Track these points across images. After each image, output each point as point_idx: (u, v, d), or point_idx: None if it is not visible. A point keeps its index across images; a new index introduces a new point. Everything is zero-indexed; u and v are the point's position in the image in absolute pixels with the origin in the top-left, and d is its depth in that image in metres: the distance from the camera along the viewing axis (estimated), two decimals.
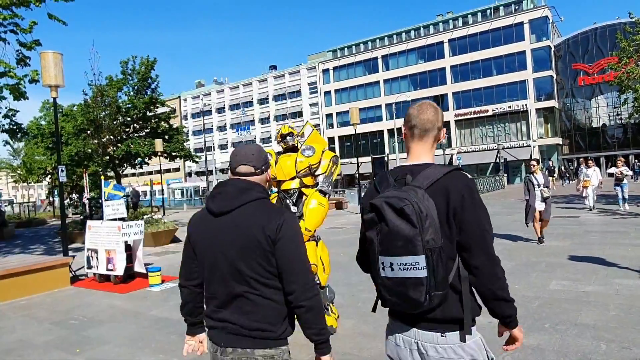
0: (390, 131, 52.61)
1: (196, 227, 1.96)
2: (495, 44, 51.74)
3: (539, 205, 8.94)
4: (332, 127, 63.63)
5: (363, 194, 2.39)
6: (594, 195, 14.87)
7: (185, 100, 78.62)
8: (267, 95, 69.96)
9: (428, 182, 1.67)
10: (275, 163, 4.90)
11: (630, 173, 14.35)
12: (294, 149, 4.97)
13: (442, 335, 1.66)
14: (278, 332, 1.83)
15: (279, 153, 5.11)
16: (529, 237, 9.86)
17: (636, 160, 43.34)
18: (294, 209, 4.81)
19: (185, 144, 30.98)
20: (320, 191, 4.79)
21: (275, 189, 4.97)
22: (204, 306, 1.97)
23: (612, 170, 14.15)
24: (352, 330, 4.72)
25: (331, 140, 63.61)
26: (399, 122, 52.71)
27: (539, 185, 8.98)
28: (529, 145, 48.75)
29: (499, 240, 9.81)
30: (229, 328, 1.82)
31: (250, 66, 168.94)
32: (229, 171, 2.00)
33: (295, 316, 1.89)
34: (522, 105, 49.85)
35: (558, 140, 50.29)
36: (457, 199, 1.65)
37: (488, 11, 55.13)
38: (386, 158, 28.54)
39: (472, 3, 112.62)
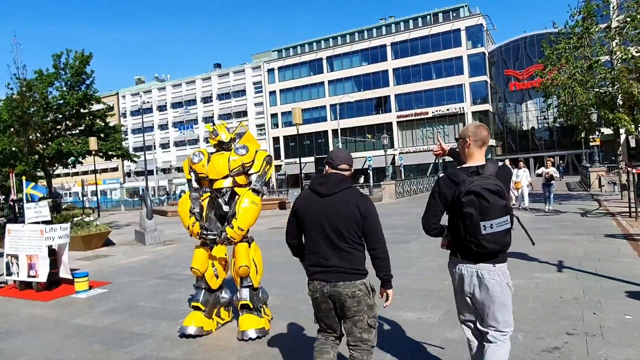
0: (335, 131, 53.13)
1: (304, 205, 2.93)
2: (435, 48, 53.77)
3: None
4: (277, 127, 63.37)
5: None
6: (528, 195, 15.09)
7: (124, 97, 75.36)
8: (211, 94, 68.50)
9: (492, 173, 2.68)
10: (208, 162, 4.78)
11: (558, 175, 14.94)
12: (226, 148, 4.88)
13: (493, 266, 2.73)
14: (365, 270, 2.82)
15: (212, 152, 5.00)
16: None
17: (561, 162, 46.61)
18: (226, 208, 4.72)
19: (123, 142, 29.70)
20: (254, 190, 4.73)
21: (207, 188, 4.86)
22: (306, 258, 2.94)
23: (541, 170, 14.50)
24: (285, 330, 4.70)
25: (276, 140, 63.34)
26: (343, 123, 53.55)
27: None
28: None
29: (428, 238, 10.16)
30: (337, 269, 2.77)
31: (193, 64, 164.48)
32: (328, 165, 2.95)
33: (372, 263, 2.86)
34: (460, 108, 52.16)
35: (492, 142, 52.98)
36: (507, 182, 2.78)
37: (428, 17, 57.14)
38: None
39: (413, 9, 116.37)
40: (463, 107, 52.12)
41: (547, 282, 5.99)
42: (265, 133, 64.62)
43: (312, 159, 31.17)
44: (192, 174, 4.84)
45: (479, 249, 2.65)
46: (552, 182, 14.17)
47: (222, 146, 4.84)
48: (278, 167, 62.10)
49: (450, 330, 4.39)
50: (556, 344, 3.92)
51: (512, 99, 54.63)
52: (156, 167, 54.14)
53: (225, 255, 4.94)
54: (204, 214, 4.77)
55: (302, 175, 34.35)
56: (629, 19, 14.59)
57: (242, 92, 66.32)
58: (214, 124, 5.03)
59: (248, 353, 4.13)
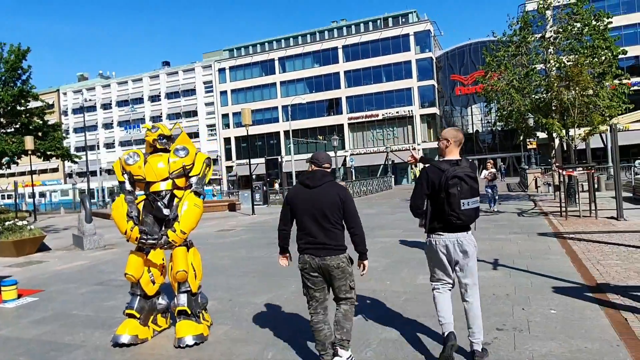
0: (287, 132, 53.01)
1: (295, 196, 3.67)
2: (385, 52, 54.96)
3: None
4: (229, 128, 62.44)
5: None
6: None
7: (65, 94, 71.73)
8: (159, 93, 66.51)
9: (467, 165, 3.59)
10: (145, 163, 4.62)
11: (494, 170, 15.41)
12: (163, 149, 4.74)
13: (467, 233, 3.65)
14: (345, 246, 3.58)
15: (148, 153, 4.84)
16: (407, 235, 10.55)
17: (502, 163, 48.91)
18: (166, 211, 4.58)
19: (64, 141, 28.23)
20: (195, 192, 4.63)
21: (141, 192, 4.69)
22: (297, 238, 3.65)
23: (483, 174, 14.46)
24: (225, 336, 4.61)
25: (227, 140, 62.39)
26: (296, 124, 53.55)
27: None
28: (414, 148, 52.05)
29: (379, 239, 10.36)
30: (324, 246, 3.51)
31: (140, 61, 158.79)
32: (313, 164, 3.70)
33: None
34: (409, 111, 53.58)
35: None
36: (475, 172, 3.63)
37: (378, 21, 58.31)
38: (280, 159, 28.62)
39: (364, 13, 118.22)
40: (412, 110, 53.56)
41: (483, 280, 6.21)
42: (216, 133, 63.48)
43: (263, 160, 30.86)
44: (125, 175, 4.66)
45: (458, 222, 3.53)
46: (495, 181, 14.68)
47: (157, 147, 4.69)
48: (229, 168, 61.21)
49: (389, 331, 4.48)
50: (486, 340, 4.08)
51: (457, 103, 56.73)
52: (100, 168, 51.72)
53: (163, 260, 4.80)
54: (141, 218, 4.61)
55: (254, 176, 34.08)
56: (561, 30, 15.54)
57: (192, 92, 64.84)
58: (153, 125, 4.88)
59: None
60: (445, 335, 3.71)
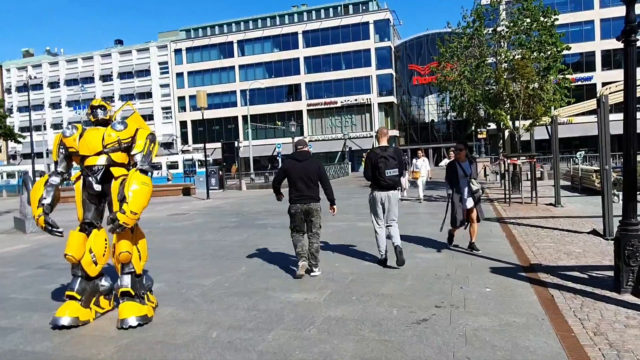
0: (245, 117, 52.32)
1: (290, 167, 5.92)
2: (345, 39, 55.04)
3: (469, 203, 6.99)
4: (185, 111, 60.89)
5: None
6: (424, 187, 14.82)
7: (8, 70, 67.59)
8: (111, 72, 63.77)
9: (393, 149, 6.14)
10: (80, 136, 4.45)
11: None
12: (104, 123, 4.59)
13: (394, 190, 6.18)
14: (320, 198, 5.97)
15: (87, 124, 4.67)
16: (360, 219, 10.76)
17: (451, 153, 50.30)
18: (97, 187, 4.43)
19: (7, 121, 26.67)
20: (142, 170, 4.46)
21: (77, 165, 4.55)
22: (290, 193, 5.96)
23: (444, 162, 14.51)
24: (170, 317, 4.59)
25: (183, 124, 60.90)
26: (254, 109, 52.85)
27: (466, 176, 6.97)
28: (372, 136, 53.14)
29: (331, 223, 10.51)
30: (309, 197, 5.85)
31: (91, 39, 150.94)
32: (296, 147, 6.16)
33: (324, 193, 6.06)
34: (367, 99, 54.12)
35: (396, 132, 55.74)
36: (398, 153, 6.28)
37: (339, 8, 58.19)
38: (237, 144, 28.28)
39: None
40: (370, 99, 54.10)
41: (427, 261, 6.51)
42: (172, 116, 61.74)
43: (219, 144, 30.31)
44: (62, 149, 4.50)
45: (384, 183, 6.04)
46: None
47: (98, 118, 4.54)
48: (186, 152, 59.83)
49: (333, 309, 4.61)
50: (425, 317, 4.29)
51: (414, 93, 57.81)
52: (47, 150, 49.18)
53: (106, 240, 4.69)
54: (53, 205, 4.48)
55: (211, 161, 33.47)
56: (511, 24, 16.12)
57: (147, 72, 62.63)
58: (104, 101, 4.73)
59: (126, 342, 3.98)
60: (382, 257, 6.37)
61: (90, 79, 64.50)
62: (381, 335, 3.90)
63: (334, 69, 55.61)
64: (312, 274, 5.90)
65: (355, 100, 54.50)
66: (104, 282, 4.72)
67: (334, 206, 6.17)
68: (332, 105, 55.41)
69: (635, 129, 4.72)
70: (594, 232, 7.93)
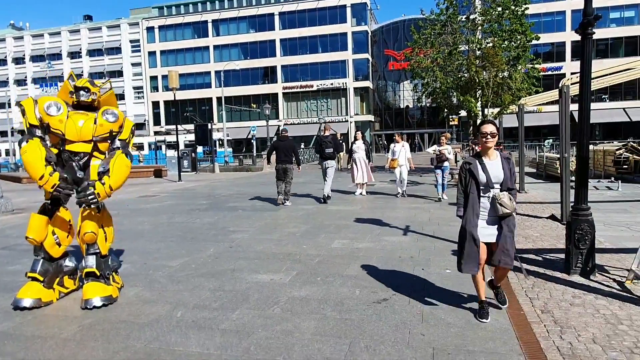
0: (219, 99, 51.58)
1: (278, 145, 11.18)
2: (321, 22, 54.58)
3: (489, 233, 3.94)
4: (157, 91, 59.57)
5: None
6: (403, 178, 11.92)
7: None
8: (80, 49, 61.63)
9: (331, 137, 12.75)
10: (67, 118, 4.34)
11: (451, 156, 12.24)
12: (88, 107, 4.50)
13: (332, 160, 11.78)
14: (292, 162, 11.22)
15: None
16: (330, 202, 10.90)
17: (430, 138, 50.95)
18: (80, 174, 4.41)
19: None
20: (127, 153, 4.53)
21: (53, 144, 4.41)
22: (276, 159, 11.17)
23: (432, 149, 11.93)
24: (135, 297, 4.62)
25: (156, 104, 59.63)
26: (229, 91, 52.11)
27: (492, 187, 3.81)
28: (347, 121, 53.31)
29: (302, 206, 10.64)
30: (286, 161, 10.99)
31: (58, 13, 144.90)
32: (280, 133, 11.65)
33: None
34: (343, 84, 54.04)
35: (371, 117, 56.06)
36: (335, 139, 14.49)
37: None
38: (210, 126, 27.90)
39: None
40: (346, 83, 54.05)
41: (392, 244, 6.69)
42: (143, 96, 60.31)
43: (193, 126, 29.78)
44: (44, 125, 4.30)
45: (326, 156, 11.56)
46: (445, 163, 11.31)
47: (80, 101, 4.43)
48: (158, 133, 58.71)
49: (297, 289, 4.72)
50: (385, 296, 4.45)
51: (390, 78, 58.06)
52: (12, 128, 47.43)
53: (70, 221, 4.66)
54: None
55: (184, 143, 32.97)
56: (484, 12, 16.35)
57: (117, 50, 60.82)
58: (78, 74, 4.62)
59: (89, 321, 4.00)
60: (323, 198, 11.29)
61: (57, 56, 62.29)
62: (342, 314, 4.04)
63: (310, 51, 55.18)
64: (285, 203, 10.80)
65: (332, 84, 54.36)
66: (68, 263, 4.70)
67: (299, 167, 11.39)
68: (308, 89, 55.14)
69: (589, 119, 4.94)
70: (552, 217, 8.28)
